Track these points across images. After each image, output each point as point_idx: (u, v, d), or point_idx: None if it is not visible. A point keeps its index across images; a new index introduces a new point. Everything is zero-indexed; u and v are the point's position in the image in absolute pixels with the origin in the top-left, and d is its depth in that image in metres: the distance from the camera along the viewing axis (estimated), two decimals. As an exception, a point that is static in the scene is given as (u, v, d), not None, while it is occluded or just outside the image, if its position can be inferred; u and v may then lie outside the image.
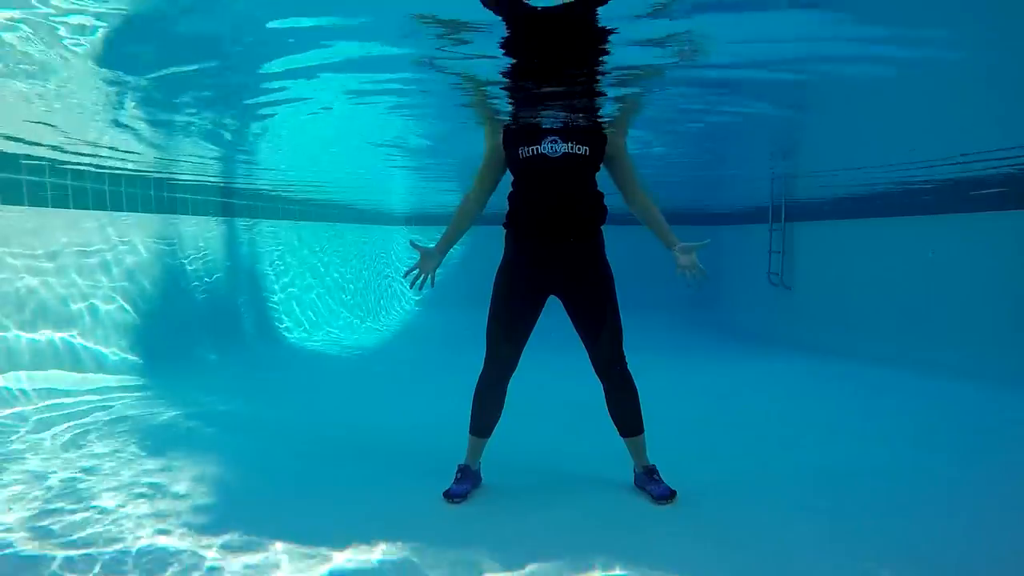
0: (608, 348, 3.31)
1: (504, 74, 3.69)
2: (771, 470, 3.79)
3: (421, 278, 3.32)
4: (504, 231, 3.38)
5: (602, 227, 3.36)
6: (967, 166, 6.26)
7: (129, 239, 6.52)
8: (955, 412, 5.01)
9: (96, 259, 6.06)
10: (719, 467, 3.84)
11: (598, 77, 3.42)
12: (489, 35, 3.11)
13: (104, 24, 3.21)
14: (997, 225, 6.13)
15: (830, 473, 3.73)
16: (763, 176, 8.88)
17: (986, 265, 6.24)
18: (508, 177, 3.36)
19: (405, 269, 3.39)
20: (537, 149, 3.18)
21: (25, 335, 5.21)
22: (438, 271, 3.37)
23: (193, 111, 5.40)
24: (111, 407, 5.02)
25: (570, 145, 3.17)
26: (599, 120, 3.32)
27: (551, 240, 3.24)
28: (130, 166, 6.48)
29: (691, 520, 3.12)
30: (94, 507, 3.18)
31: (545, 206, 3.22)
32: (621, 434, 3.46)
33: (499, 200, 3.42)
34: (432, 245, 3.36)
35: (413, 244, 3.41)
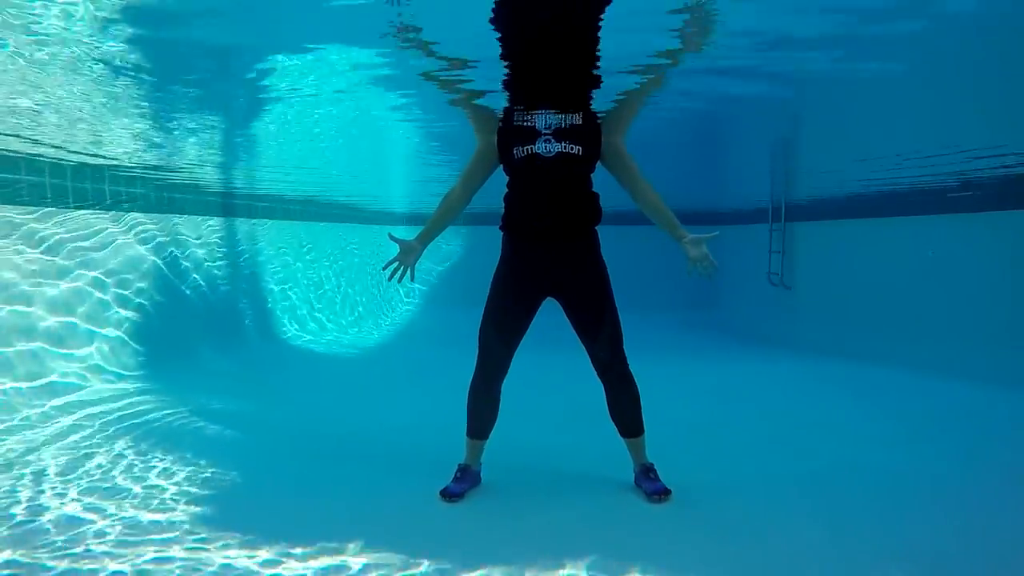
0: (607, 349, 3.30)
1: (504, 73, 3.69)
2: (771, 470, 3.79)
3: (400, 271, 3.31)
4: (501, 233, 3.38)
5: (597, 227, 3.35)
6: (966, 167, 6.26)
7: (129, 239, 6.52)
8: (955, 412, 5.00)
9: (96, 259, 6.05)
10: (718, 467, 3.84)
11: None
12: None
13: (107, 15, 3.23)
14: (997, 225, 6.12)
15: (830, 473, 3.73)
16: (763, 172, 8.90)
17: (986, 265, 6.23)
18: (502, 178, 3.35)
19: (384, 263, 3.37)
20: (531, 149, 3.17)
21: (24, 335, 5.20)
22: (419, 268, 3.36)
23: (195, 108, 5.42)
24: (111, 407, 5.02)
25: (564, 145, 3.16)
26: (595, 117, 3.31)
27: (546, 241, 3.24)
28: (130, 165, 6.49)
29: (690, 520, 3.12)
30: (93, 508, 3.18)
31: (539, 206, 3.21)
32: (621, 434, 3.46)
33: (498, 201, 3.41)
34: (412, 238, 3.35)
35: (392, 237, 3.40)
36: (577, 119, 3.23)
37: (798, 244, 9.18)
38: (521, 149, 3.18)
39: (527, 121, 3.22)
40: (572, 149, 3.16)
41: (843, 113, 6.85)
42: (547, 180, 3.19)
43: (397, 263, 3.31)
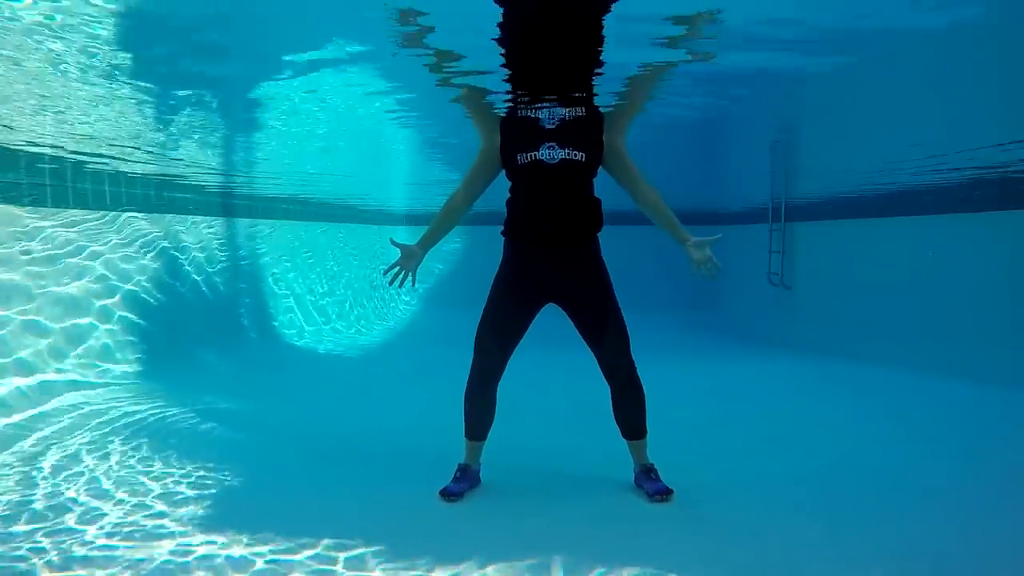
0: (613, 353, 3.30)
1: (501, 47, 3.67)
2: (770, 470, 3.79)
3: (401, 276, 3.31)
4: (503, 238, 3.38)
5: (598, 233, 3.35)
6: (966, 167, 6.26)
7: (130, 239, 6.52)
8: (955, 412, 5.00)
9: (96, 259, 6.05)
10: (718, 467, 3.83)
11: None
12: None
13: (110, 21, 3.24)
14: (997, 225, 6.12)
15: (829, 473, 3.72)
16: (763, 172, 8.89)
17: (986, 265, 6.23)
18: (504, 181, 3.35)
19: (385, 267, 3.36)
20: (535, 155, 3.16)
21: (25, 336, 5.20)
22: (421, 269, 3.36)
23: (195, 110, 5.42)
24: (111, 407, 5.02)
25: (567, 151, 3.15)
26: (597, 111, 3.31)
27: (548, 246, 3.24)
28: (130, 164, 6.49)
29: (690, 520, 3.12)
30: (94, 508, 3.18)
31: (542, 212, 3.21)
32: (624, 436, 3.47)
33: (498, 201, 3.42)
34: (413, 243, 3.34)
35: (393, 242, 3.39)
36: (580, 112, 3.22)
37: (798, 244, 9.18)
38: (524, 156, 3.17)
39: (531, 114, 3.22)
40: (576, 155, 3.16)
41: (843, 113, 6.87)
42: (550, 186, 3.19)
43: (398, 268, 3.31)
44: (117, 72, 4.15)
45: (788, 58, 4.30)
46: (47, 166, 5.67)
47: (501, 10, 3.35)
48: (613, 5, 3.28)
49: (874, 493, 3.40)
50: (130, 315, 6.30)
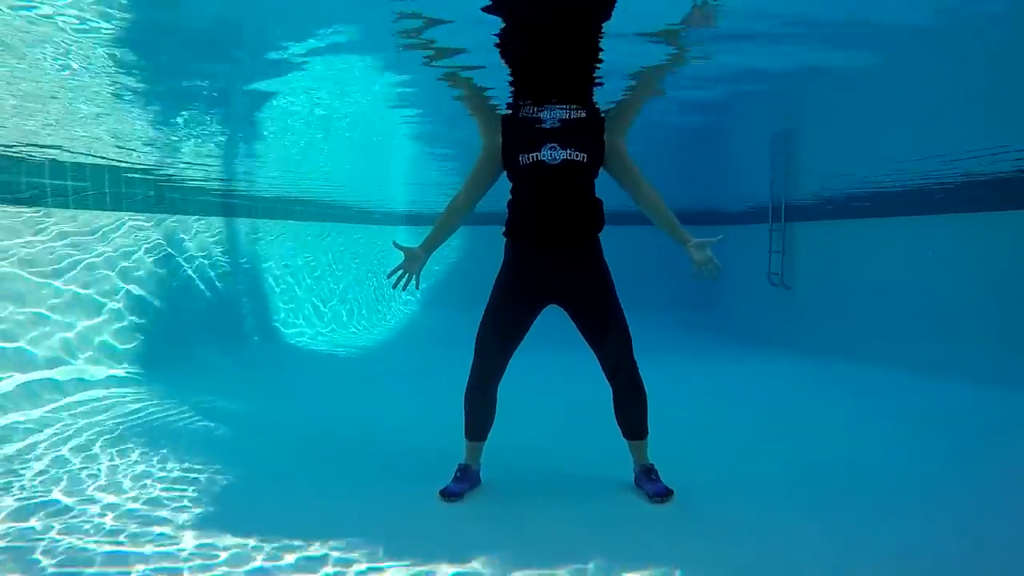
0: (615, 353, 3.31)
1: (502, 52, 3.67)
2: (770, 470, 3.79)
3: (405, 279, 3.31)
4: (504, 239, 3.38)
5: (599, 234, 3.35)
6: (966, 167, 6.26)
7: (130, 239, 6.52)
8: (955, 412, 5.01)
9: (96, 259, 6.06)
10: (718, 467, 3.84)
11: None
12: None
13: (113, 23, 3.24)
14: (997, 225, 6.13)
15: (829, 473, 3.73)
16: (763, 172, 8.89)
17: (986, 265, 6.23)
18: (506, 183, 3.35)
19: (388, 270, 3.37)
20: (536, 156, 3.17)
21: (24, 334, 5.20)
22: (423, 271, 3.37)
23: (197, 110, 5.42)
24: (112, 407, 5.02)
25: (569, 152, 3.16)
26: (598, 112, 3.31)
27: (549, 247, 3.24)
28: (131, 165, 6.50)
29: (690, 519, 3.13)
30: (92, 507, 3.19)
31: (543, 213, 3.21)
32: (624, 436, 3.47)
33: (499, 202, 3.42)
34: (416, 245, 3.35)
35: (396, 245, 3.40)
36: (582, 112, 3.23)
37: (798, 244, 9.19)
38: (526, 156, 3.18)
39: (533, 114, 3.23)
40: (577, 156, 3.16)
41: (843, 113, 6.86)
42: (552, 187, 3.19)
43: (402, 271, 3.31)
44: (117, 73, 4.15)
45: (790, 53, 4.31)
46: (46, 165, 5.67)
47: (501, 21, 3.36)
48: (613, 10, 3.28)
49: (873, 493, 3.41)
50: (132, 315, 6.30)
